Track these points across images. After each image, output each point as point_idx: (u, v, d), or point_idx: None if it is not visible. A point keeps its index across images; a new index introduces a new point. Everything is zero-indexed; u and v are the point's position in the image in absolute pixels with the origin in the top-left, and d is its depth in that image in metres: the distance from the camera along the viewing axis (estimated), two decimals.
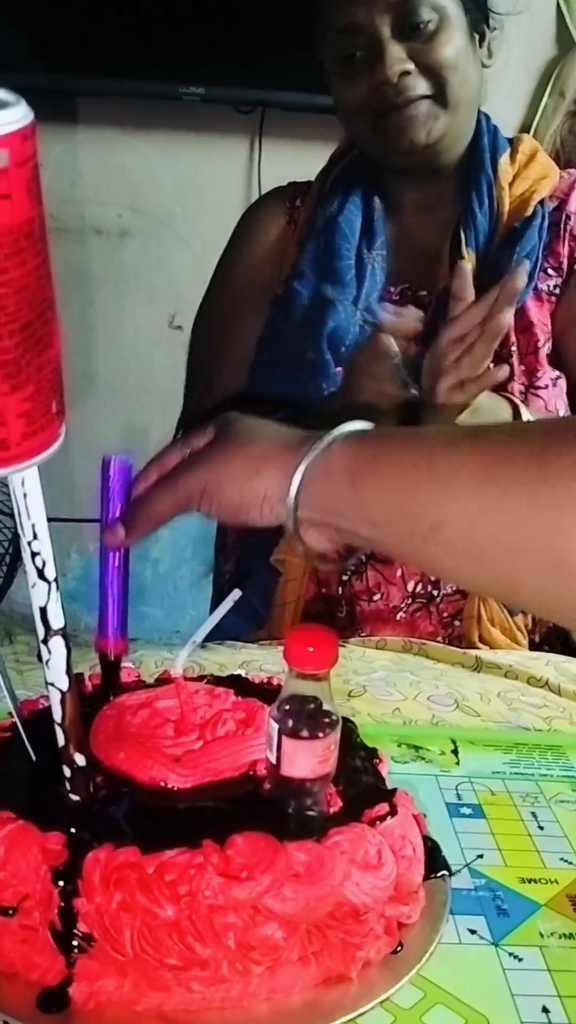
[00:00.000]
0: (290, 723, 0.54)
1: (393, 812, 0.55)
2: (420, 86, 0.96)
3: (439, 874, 0.60)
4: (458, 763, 0.77)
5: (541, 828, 0.69)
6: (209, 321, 1.19)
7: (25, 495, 0.46)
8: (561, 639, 1.10)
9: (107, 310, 2.11)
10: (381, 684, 0.90)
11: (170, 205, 2.08)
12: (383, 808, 0.55)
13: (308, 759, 0.54)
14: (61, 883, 0.50)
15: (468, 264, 0.91)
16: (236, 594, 0.65)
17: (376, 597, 1.05)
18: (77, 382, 2.18)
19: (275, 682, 0.69)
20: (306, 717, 0.54)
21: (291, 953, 0.51)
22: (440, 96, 0.96)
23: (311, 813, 0.55)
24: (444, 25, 0.96)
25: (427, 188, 1.05)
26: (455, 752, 0.79)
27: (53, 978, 0.50)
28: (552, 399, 1.04)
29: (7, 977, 0.51)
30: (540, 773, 0.76)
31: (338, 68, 0.99)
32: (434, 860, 0.61)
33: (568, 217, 1.05)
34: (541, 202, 1.04)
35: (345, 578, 1.05)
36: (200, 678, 0.69)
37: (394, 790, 0.58)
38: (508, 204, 1.03)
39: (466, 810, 0.71)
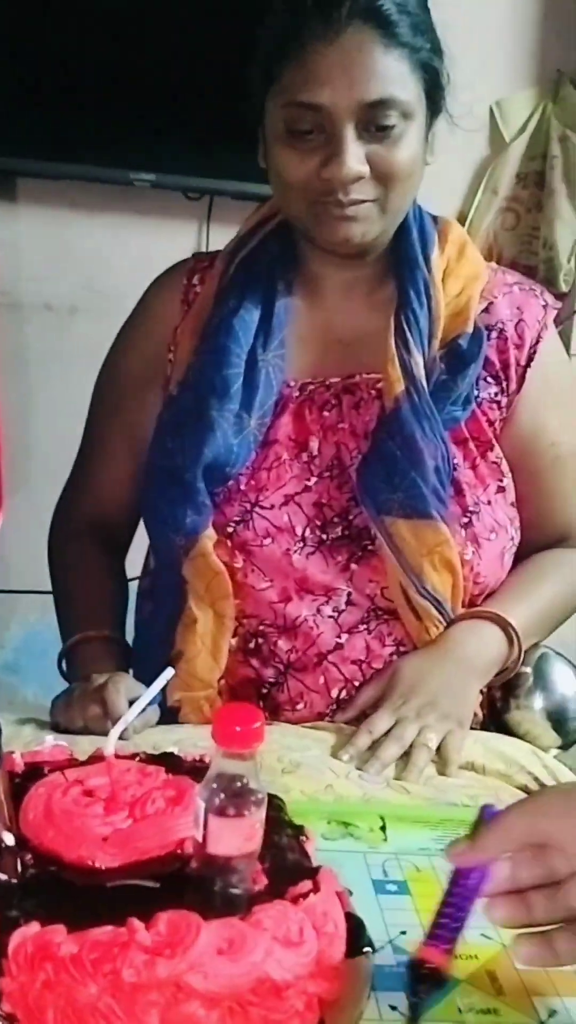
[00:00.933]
0: (216, 801, 0.55)
1: (316, 889, 0.57)
2: (368, 190, 0.94)
3: (362, 951, 0.62)
4: (386, 839, 0.79)
5: None
6: (95, 405, 1.17)
7: None
8: (496, 722, 1.11)
9: (55, 385, 2.14)
10: (315, 761, 0.91)
11: (121, 285, 2.12)
12: (306, 886, 0.57)
13: (233, 837, 0.56)
14: None
15: None
16: (169, 673, 0.67)
17: (300, 707, 1.02)
18: (20, 457, 2.20)
19: (207, 759, 0.70)
20: (232, 795, 0.56)
21: None
22: (384, 202, 0.95)
23: (236, 891, 0.56)
24: (407, 130, 0.93)
25: (352, 269, 1.03)
26: (383, 829, 0.81)
27: None
28: (498, 511, 1.04)
29: None
30: None
31: (285, 139, 0.94)
32: (358, 937, 0.62)
33: (499, 324, 1.05)
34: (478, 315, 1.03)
35: (265, 691, 1.03)
36: (133, 756, 0.71)
37: (318, 867, 0.60)
38: (444, 304, 1.02)
39: (392, 887, 0.73)
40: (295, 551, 1.00)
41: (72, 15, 1.88)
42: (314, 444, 1.02)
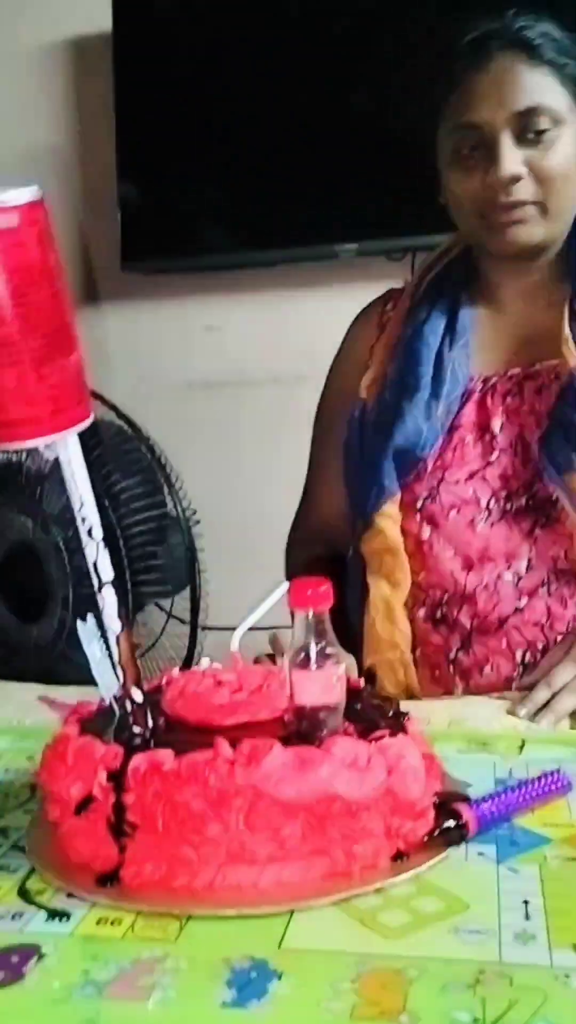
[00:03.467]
0: (298, 659, 0.65)
1: (393, 734, 0.64)
2: (528, 191, 1.03)
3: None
4: (520, 753, 0.83)
5: None
6: (314, 432, 1.31)
7: (72, 472, 0.63)
8: None
9: (289, 449, 2.34)
10: (483, 720, 0.95)
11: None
12: (384, 732, 0.65)
13: (313, 688, 0.65)
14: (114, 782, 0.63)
15: None
16: (285, 586, 0.77)
17: (487, 670, 1.07)
18: (265, 512, 2.41)
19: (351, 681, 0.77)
20: (312, 654, 0.65)
21: (295, 842, 0.60)
22: (544, 205, 1.04)
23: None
24: (560, 134, 1.04)
25: (526, 274, 1.12)
26: (521, 748, 0.85)
27: (110, 864, 0.63)
28: None
29: (78, 867, 0.64)
30: None
31: (455, 161, 1.07)
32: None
33: None
34: None
35: (452, 656, 1.09)
36: None
37: (405, 724, 0.67)
38: None
39: (513, 782, 0.77)
40: (480, 521, 1.08)
41: (265, 121, 2.16)
42: (496, 425, 1.10)
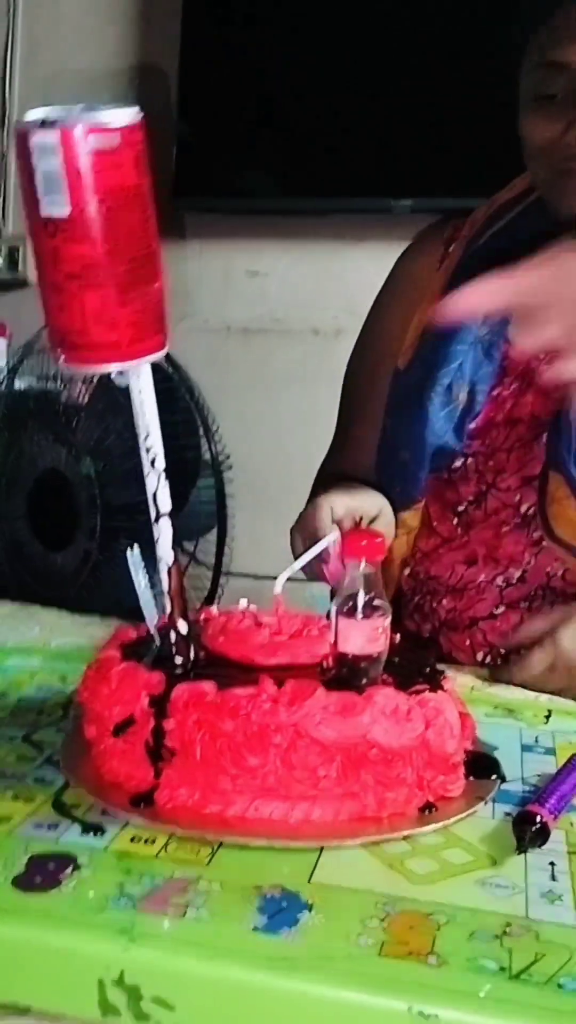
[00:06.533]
0: (346, 607, 0.66)
1: (432, 690, 0.65)
2: None
3: (492, 777, 0.69)
4: (547, 723, 0.84)
5: None
6: (353, 369, 1.17)
7: (142, 402, 0.63)
8: None
9: (323, 402, 2.34)
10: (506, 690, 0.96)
11: None
12: (424, 686, 0.65)
13: (358, 637, 0.66)
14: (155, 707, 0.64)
15: None
16: (336, 534, 0.78)
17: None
18: (292, 464, 2.42)
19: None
20: (359, 603, 0.66)
21: (329, 783, 0.61)
22: None
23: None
24: None
25: None
26: (548, 717, 0.86)
27: (145, 786, 0.64)
28: None
29: (112, 786, 0.66)
30: None
31: (534, 105, 0.93)
32: (491, 766, 0.70)
33: None
34: None
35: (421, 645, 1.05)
36: None
37: (442, 681, 0.68)
38: None
39: (539, 749, 0.78)
40: (507, 525, 1.00)
41: (327, 67, 2.13)
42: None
